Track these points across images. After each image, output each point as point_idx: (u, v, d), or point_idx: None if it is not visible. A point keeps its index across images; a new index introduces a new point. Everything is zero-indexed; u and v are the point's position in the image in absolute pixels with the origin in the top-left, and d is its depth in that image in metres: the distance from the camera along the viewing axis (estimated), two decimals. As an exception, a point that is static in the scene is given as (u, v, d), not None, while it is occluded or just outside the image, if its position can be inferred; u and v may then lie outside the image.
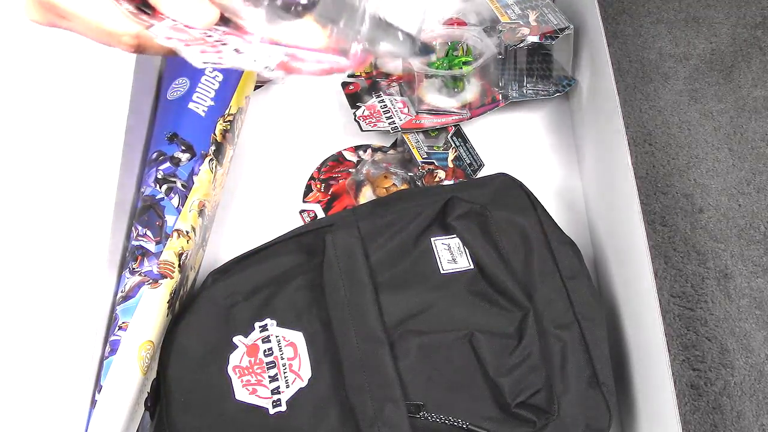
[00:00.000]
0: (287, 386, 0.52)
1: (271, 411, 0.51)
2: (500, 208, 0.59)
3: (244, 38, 0.37)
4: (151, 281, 0.55)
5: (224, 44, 0.38)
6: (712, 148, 0.79)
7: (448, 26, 0.78)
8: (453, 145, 0.73)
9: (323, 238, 0.57)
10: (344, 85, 0.78)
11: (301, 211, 0.71)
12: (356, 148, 0.76)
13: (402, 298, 0.54)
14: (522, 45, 0.73)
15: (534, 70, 0.77)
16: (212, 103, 0.65)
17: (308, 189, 0.72)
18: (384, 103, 0.76)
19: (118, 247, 0.57)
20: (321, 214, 0.70)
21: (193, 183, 0.61)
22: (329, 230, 0.57)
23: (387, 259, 0.56)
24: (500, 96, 0.75)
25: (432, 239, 0.57)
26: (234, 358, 0.53)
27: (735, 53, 0.87)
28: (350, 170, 0.73)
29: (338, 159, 0.75)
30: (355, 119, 0.74)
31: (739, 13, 0.91)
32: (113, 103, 0.72)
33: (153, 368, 0.55)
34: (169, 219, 0.59)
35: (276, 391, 0.52)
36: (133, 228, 0.58)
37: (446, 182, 0.71)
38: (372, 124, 0.74)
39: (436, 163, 0.72)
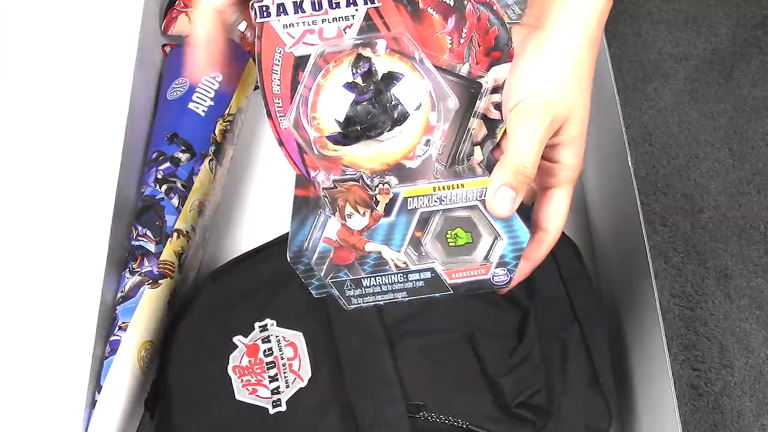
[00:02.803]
0: (287, 386, 0.52)
1: (271, 411, 0.51)
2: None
3: None
4: (151, 281, 0.55)
5: None
6: (712, 148, 0.79)
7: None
8: None
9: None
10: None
11: (301, 211, 0.70)
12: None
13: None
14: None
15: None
16: (212, 103, 0.65)
17: (308, 189, 0.72)
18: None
19: (118, 247, 0.57)
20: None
21: (193, 183, 0.61)
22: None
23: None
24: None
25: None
26: (234, 358, 0.53)
27: (735, 53, 0.87)
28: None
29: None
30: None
31: (739, 13, 0.91)
32: (113, 103, 0.72)
33: (153, 368, 0.55)
34: (169, 219, 0.59)
35: (276, 391, 0.52)
36: (133, 228, 0.58)
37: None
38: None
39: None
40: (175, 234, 0.58)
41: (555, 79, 0.37)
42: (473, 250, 0.40)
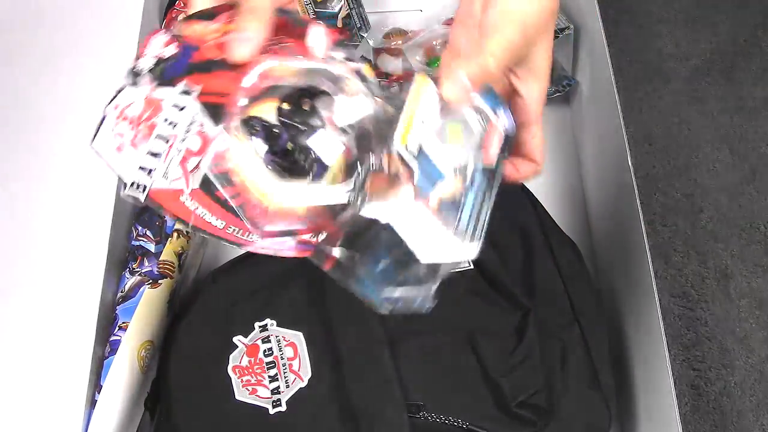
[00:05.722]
0: (287, 386, 0.52)
1: (271, 411, 0.51)
2: (499, 207, 0.59)
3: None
4: (151, 281, 0.55)
5: None
6: (712, 148, 0.79)
7: (448, 26, 0.78)
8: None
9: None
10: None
11: (301, 211, 0.70)
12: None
13: (402, 298, 0.54)
14: (522, 45, 0.72)
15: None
16: (212, 103, 0.65)
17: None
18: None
19: (118, 247, 0.57)
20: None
21: (193, 183, 0.61)
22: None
23: (387, 259, 0.56)
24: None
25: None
26: (234, 358, 0.53)
27: (735, 53, 0.87)
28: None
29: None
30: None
31: (739, 13, 0.91)
32: (113, 103, 0.72)
33: (153, 368, 0.55)
34: (169, 219, 0.59)
35: (276, 391, 0.52)
36: (133, 228, 0.58)
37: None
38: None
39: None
40: (175, 234, 0.58)
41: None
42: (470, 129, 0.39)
